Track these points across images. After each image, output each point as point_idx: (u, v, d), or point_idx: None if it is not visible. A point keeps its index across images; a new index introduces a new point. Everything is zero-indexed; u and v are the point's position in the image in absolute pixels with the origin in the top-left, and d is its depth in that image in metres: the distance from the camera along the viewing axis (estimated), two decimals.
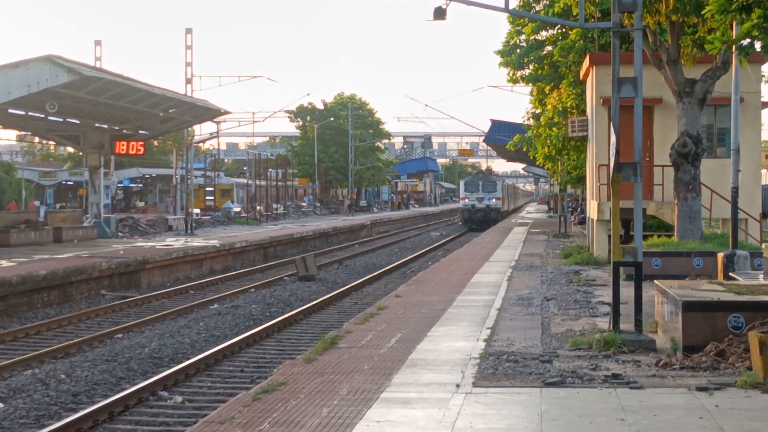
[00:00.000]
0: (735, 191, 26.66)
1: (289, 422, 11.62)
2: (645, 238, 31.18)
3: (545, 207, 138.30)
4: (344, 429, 11.22)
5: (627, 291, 17.83)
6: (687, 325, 15.87)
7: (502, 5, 16.97)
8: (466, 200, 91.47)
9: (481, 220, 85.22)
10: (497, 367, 14.95)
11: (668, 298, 17.44)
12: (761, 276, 21.49)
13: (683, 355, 15.43)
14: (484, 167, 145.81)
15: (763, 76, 37.99)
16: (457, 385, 13.61)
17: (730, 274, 22.85)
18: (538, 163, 65.45)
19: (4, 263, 34.85)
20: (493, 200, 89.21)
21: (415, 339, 17.88)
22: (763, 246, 29.88)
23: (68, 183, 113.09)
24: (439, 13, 15.58)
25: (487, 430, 11.18)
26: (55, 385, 18.86)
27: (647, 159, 36.13)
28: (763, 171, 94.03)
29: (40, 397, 17.74)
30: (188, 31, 64.37)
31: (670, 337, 16.66)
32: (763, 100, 39.37)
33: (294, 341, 23.97)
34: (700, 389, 13.20)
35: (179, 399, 17.74)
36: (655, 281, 19.68)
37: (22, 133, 73.23)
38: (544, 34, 45.42)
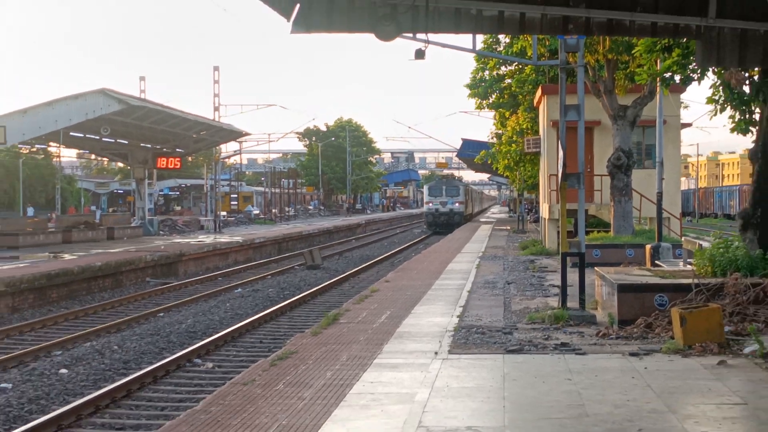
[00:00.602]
0: (659, 195, 26.85)
1: (300, 383, 11.62)
2: (587, 233, 31.25)
3: (506, 209, 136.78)
4: (344, 388, 11.21)
5: (573, 276, 17.85)
6: (621, 303, 15.92)
7: (470, 46, 16.94)
8: (430, 204, 76.69)
9: (444, 224, 71.98)
10: (468, 338, 14.96)
11: (606, 282, 17.48)
12: (681, 263, 21.54)
13: (618, 327, 15.45)
14: (456, 176, 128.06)
15: (682, 102, 38.22)
16: (436, 353, 13.61)
17: (656, 262, 22.95)
18: (500, 173, 65.92)
19: (67, 256, 34.77)
20: (456, 204, 74.87)
21: (402, 316, 17.89)
22: (683, 239, 29.90)
23: (119, 191, 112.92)
24: (419, 54, 15.56)
25: (460, 388, 11.18)
26: (109, 354, 18.86)
27: (589, 170, 36.26)
28: (683, 179, 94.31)
29: (97, 365, 17.74)
30: (215, 68, 64.70)
31: (608, 313, 16.69)
32: (682, 121, 39.68)
33: (303, 318, 23.95)
34: (632, 354, 13.22)
35: (210, 365, 17.76)
36: (595, 268, 19.69)
37: (81, 151, 73.01)
38: (504, 70, 45.51)
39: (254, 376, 12.30)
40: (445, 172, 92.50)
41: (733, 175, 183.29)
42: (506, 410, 9.95)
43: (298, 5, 12.90)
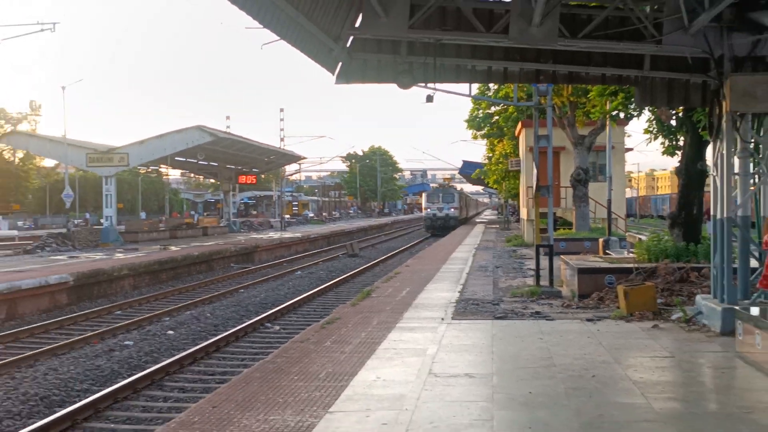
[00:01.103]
0: (609, 202, 26.66)
1: (342, 341, 11.62)
2: (555, 230, 31.12)
3: (496, 212, 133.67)
4: (375, 345, 11.19)
5: (544, 262, 17.74)
6: (580, 282, 15.82)
7: (467, 92, 16.87)
8: (428, 210, 65.91)
9: (441, 227, 62.74)
10: (466, 308, 14.91)
11: (569, 266, 17.38)
12: (625, 252, 21.36)
13: (578, 300, 15.37)
14: (457, 188, 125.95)
15: (626, 132, 38.06)
16: (442, 319, 13.58)
17: (607, 251, 22.76)
18: (490, 185, 65.75)
19: (173, 248, 34.99)
20: (452, 210, 64.68)
21: (417, 291, 17.85)
22: (626, 234, 29.70)
23: (211, 200, 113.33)
24: (429, 99, 15.54)
25: (460, 345, 11.13)
26: (204, 319, 18.94)
27: (557, 183, 36.10)
28: (627, 189, 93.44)
29: (195, 327, 17.83)
30: (281, 110, 66.96)
31: (570, 290, 16.61)
32: (626, 146, 39.54)
33: (345, 293, 23.95)
34: (588, 320, 13.13)
35: (277, 327, 17.79)
36: (561, 256, 19.58)
37: (183, 171, 73.50)
38: (493, 109, 45.18)
39: (309, 335, 12.32)
40: (450, 185, 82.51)
41: (665, 186, 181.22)
42: (494, 361, 9.91)
43: (340, 64, 12.92)
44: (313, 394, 8.37)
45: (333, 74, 12.96)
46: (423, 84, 14.50)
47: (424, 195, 72.07)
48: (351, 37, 12.44)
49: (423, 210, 72.80)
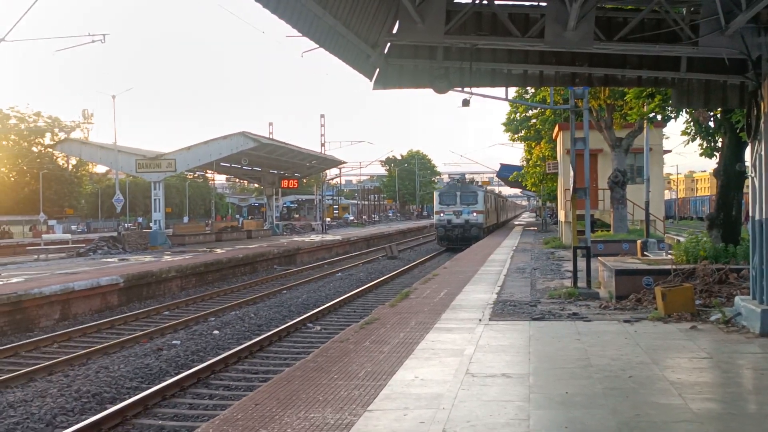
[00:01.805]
0: (647, 204, 26.34)
1: (381, 341, 11.62)
2: (593, 232, 30.79)
3: (534, 214, 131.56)
4: (413, 345, 11.18)
5: (582, 264, 17.53)
6: (618, 283, 15.58)
7: (503, 96, 16.80)
8: (441, 214, 47.23)
9: (458, 238, 45.56)
10: (503, 309, 14.80)
11: (607, 268, 17.12)
12: (663, 254, 21.04)
13: (616, 301, 15.15)
14: (497, 191, 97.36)
15: (664, 134, 37.50)
16: (480, 320, 13.50)
17: (645, 252, 22.47)
18: (528, 188, 65.06)
19: (219, 251, 35.37)
20: (473, 214, 46.52)
21: (455, 293, 17.78)
22: (665, 236, 29.26)
23: (255, 204, 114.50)
24: (465, 103, 15.47)
25: (497, 345, 11.06)
26: (248, 320, 19.10)
27: (594, 185, 35.75)
28: (666, 191, 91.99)
29: (239, 327, 17.98)
30: (322, 116, 65.80)
31: (608, 291, 16.37)
32: (664, 148, 38.96)
33: (384, 294, 23.95)
34: (626, 321, 12.95)
35: (318, 328, 17.86)
36: (599, 258, 19.33)
37: (228, 176, 74.29)
38: (530, 112, 44.95)
39: (348, 335, 12.34)
40: (488, 188, 66.74)
41: (704, 187, 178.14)
42: (531, 362, 9.82)
43: (377, 70, 12.94)
44: (353, 393, 8.38)
45: (371, 80, 12.98)
46: (460, 89, 14.48)
47: (435, 195, 49.52)
48: (388, 44, 12.45)
49: (434, 214, 50.12)
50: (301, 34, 9.71)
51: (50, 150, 79.66)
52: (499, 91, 33.90)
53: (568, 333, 11.98)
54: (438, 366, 9.66)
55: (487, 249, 34.96)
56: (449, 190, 47.48)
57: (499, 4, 12.01)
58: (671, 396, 7.95)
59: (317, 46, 10.88)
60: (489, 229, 50.91)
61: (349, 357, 10.47)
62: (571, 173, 17.23)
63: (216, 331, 17.40)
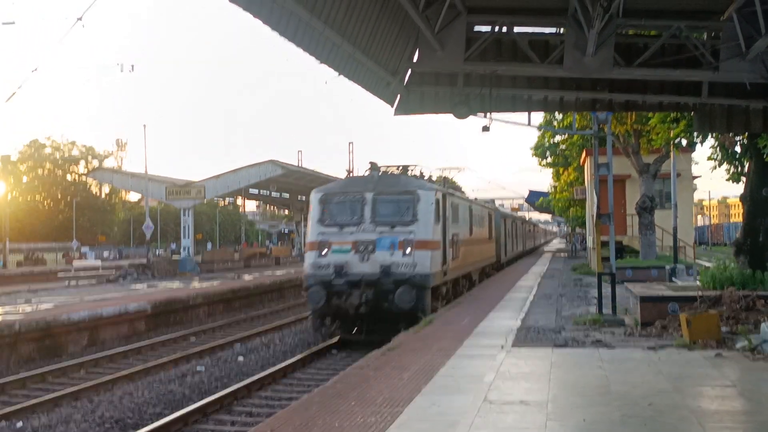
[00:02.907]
0: (675, 229, 26.09)
1: (401, 367, 11.58)
2: (622, 258, 30.55)
3: (565, 240, 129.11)
4: (433, 372, 11.13)
5: (608, 290, 17.38)
6: (643, 310, 15.41)
7: (526, 121, 16.85)
8: (323, 252, 17.67)
9: (367, 316, 17.34)
10: (527, 336, 14.68)
11: (632, 294, 16.97)
12: (692, 280, 20.78)
13: (641, 328, 14.96)
14: (524, 215, 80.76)
15: (693, 159, 37.25)
16: (502, 346, 13.40)
17: (673, 279, 22.22)
18: (557, 213, 64.86)
19: (246, 277, 35.61)
20: (407, 252, 17.19)
21: (480, 319, 17.65)
22: (694, 262, 28.93)
23: (285, 230, 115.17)
24: (485, 129, 15.50)
25: (518, 372, 10.98)
26: (273, 346, 19.05)
27: (622, 211, 35.51)
28: (699, 217, 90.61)
29: (264, 354, 17.96)
30: (350, 143, 66.10)
31: (633, 318, 16.18)
32: (693, 174, 38.65)
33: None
34: (650, 348, 12.77)
35: (343, 354, 17.78)
36: (626, 284, 19.16)
37: (257, 202, 74.97)
38: (558, 138, 44.82)
39: (369, 361, 12.32)
40: (518, 215, 58.50)
41: (737, 213, 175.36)
42: (550, 389, 9.73)
43: (398, 96, 13.06)
44: (369, 419, 8.38)
45: (392, 106, 13.11)
46: (481, 114, 14.55)
47: (313, 201, 19.03)
48: (408, 71, 12.59)
49: (306, 251, 19.74)
50: (319, 62, 9.86)
51: (84, 178, 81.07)
52: (523, 117, 33.95)
53: (591, 360, 11.85)
54: (456, 393, 9.62)
55: (515, 275, 34.72)
56: (347, 188, 19.40)
57: (518, 32, 12.11)
58: (691, 424, 7.83)
59: (337, 74, 11.03)
60: (469, 280, 26.05)
61: (369, 383, 10.46)
62: (594, 198, 17.11)
63: (241, 358, 17.44)
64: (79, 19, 8.81)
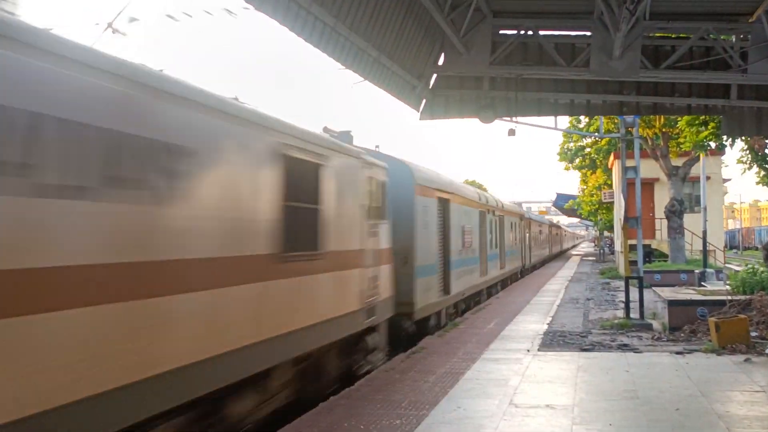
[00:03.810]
0: (704, 233, 25.83)
1: (427, 371, 11.61)
2: (650, 262, 30.30)
3: (593, 244, 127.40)
4: (458, 375, 11.15)
5: (635, 294, 17.26)
6: (671, 314, 15.29)
7: (552, 125, 16.80)
8: None
9: None
10: (553, 340, 14.65)
11: (660, 298, 16.84)
12: (721, 284, 20.54)
13: (669, 333, 14.85)
14: (553, 221, 77.47)
15: (722, 162, 36.83)
16: (528, 350, 13.38)
17: (702, 283, 21.98)
18: (584, 217, 64.41)
19: None
20: None
21: (506, 323, 17.64)
22: (723, 266, 28.60)
23: None
24: (511, 132, 15.49)
25: (543, 375, 10.97)
26: None
27: (651, 215, 35.24)
28: (730, 220, 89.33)
29: None
30: (377, 146, 65.70)
31: (661, 322, 16.06)
32: (724, 177, 38.25)
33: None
34: (678, 353, 12.68)
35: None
36: (654, 288, 19.01)
37: None
38: (585, 141, 44.65)
39: (395, 365, 12.36)
40: (546, 218, 56.90)
41: None
42: (576, 393, 9.71)
43: (424, 101, 13.11)
44: (394, 422, 8.42)
45: (417, 111, 13.15)
46: (508, 118, 14.55)
47: None
48: (434, 75, 12.63)
49: None
50: (344, 67, 9.94)
51: None
52: (548, 120, 33.87)
53: (618, 364, 11.79)
54: (482, 396, 9.63)
55: (542, 279, 34.58)
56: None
57: (544, 35, 12.10)
58: (718, 429, 7.78)
59: (362, 79, 11.10)
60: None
61: (394, 386, 10.51)
62: (622, 202, 17.03)
63: None
64: (110, 25, 8.94)
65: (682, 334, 14.53)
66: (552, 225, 62.32)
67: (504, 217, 27.47)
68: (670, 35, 12.39)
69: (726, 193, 51.59)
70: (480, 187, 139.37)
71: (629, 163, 17.48)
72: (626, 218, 16.93)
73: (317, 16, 8.75)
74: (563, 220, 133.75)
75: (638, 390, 9.79)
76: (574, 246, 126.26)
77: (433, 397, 9.63)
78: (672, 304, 15.41)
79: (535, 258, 41.16)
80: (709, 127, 18.18)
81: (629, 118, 16.68)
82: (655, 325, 16.25)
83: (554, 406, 8.98)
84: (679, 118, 20.38)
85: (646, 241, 29.78)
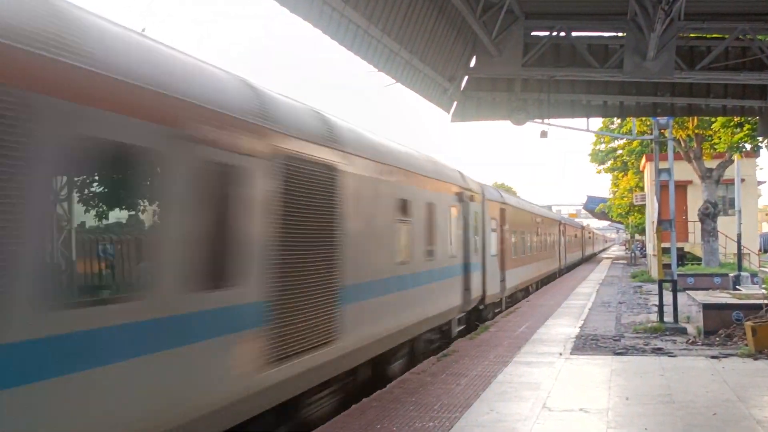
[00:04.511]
0: (739, 236, 25.47)
1: (458, 374, 11.60)
2: (683, 265, 29.94)
3: (623, 247, 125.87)
4: (490, 378, 11.11)
5: (669, 298, 17.06)
6: (706, 318, 15.11)
7: (584, 127, 16.68)
8: None
9: None
10: (586, 343, 14.54)
11: (695, 302, 16.65)
12: (757, 288, 20.26)
13: (704, 337, 14.67)
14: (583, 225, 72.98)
15: (757, 165, 36.37)
16: (560, 354, 13.30)
17: (737, 287, 21.72)
18: (615, 219, 63.89)
19: None
20: None
21: (537, 326, 17.54)
22: (758, 269, 28.18)
23: None
24: (543, 134, 15.42)
25: (576, 379, 10.90)
26: None
27: (684, 217, 34.84)
28: (765, 223, 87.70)
29: None
30: None
31: (695, 326, 15.87)
32: (758, 179, 37.69)
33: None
34: (713, 357, 12.52)
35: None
36: (688, 292, 18.80)
37: None
38: (616, 143, 44.23)
39: (426, 367, 12.36)
40: (576, 221, 59.89)
41: None
42: (610, 397, 9.63)
43: (455, 103, 13.10)
44: (427, 425, 8.42)
45: (448, 113, 13.15)
46: (539, 120, 14.48)
47: None
48: (465, 77, 12.61)
49: None
50: (377, 70, 9.96)
51: None
52: (580, 122, 33.62)
53: (652, 368, 11.68)
54: (514, 400, 9.59)
55: (573, 282, 34.33)
56: None
57: (576, 36, 12.03)
58: None
59: (394, 81, 11.12)
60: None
61: (426, 389, 10.50)
62: (656, 204, 16.86)
63: None
64: (143, 30, 9.03)
65: (718, 338, 14.35)
66: (583, 228, 62.74)
67: (576, 229, 36.90)
68: (705, 35, 12.24)
69: (760, 195, 50.77)
70: (509, 189, 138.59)
71: (662, 165, 17.31)
72: (660, 221, 16.76)
73: (350, 19, 8.79)
74: (593, 223, 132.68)
75: (673, 394, 9.68)
76: (604, 249, 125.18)
77: (465, 400, 9.61)
78: (707, 307, 15.23)
79: (569, 260, 44.88)
80: (745, 128, 17.94)
81: (663, 120, 16.52)
82: (690, 329, 16.06)
83: (588, 410, 8.92)
84: (714, 120, 20.12)
85: (679, 244, 29.38)
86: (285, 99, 8.12)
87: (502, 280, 20.95)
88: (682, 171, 31.34)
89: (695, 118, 26.14)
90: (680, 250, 31.55)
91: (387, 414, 9.03)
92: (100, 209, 5.55)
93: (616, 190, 52.17)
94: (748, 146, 21.08)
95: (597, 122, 44.17)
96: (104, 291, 5.42)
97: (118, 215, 5.82)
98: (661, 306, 16.83)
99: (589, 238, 65.60)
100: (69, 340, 4.52)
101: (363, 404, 9.78)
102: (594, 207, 70.06)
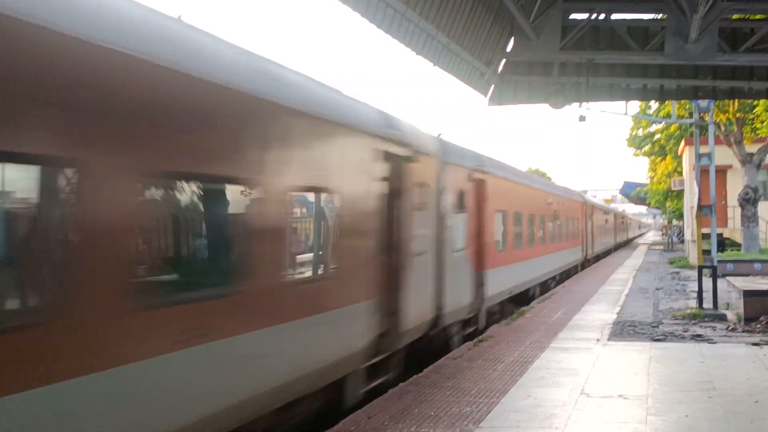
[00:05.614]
0: None
1: (495, 359, 11.59)
2: (723, 251, 29.49)
3: (660, 233, 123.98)
4: (527, 364, 11.08)
5: (708, 284, 16.83)
6: (747, 304, 14.88)
7: (623, 111, 16.47)
8: None
9: None
10: (623, 330, 14.43)
11: (735, 288, 16.42)
12: None
13: (744, 323, 14.48)
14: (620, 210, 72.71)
15: None
16: (597, 340, 13.22)
17: None
18: (652, 205, 63.05)
19: None
20: None
21: (573, 312, 17.44)
22: None
23: None
24: (582, 118, 15.27)
25: (614, 365, 10.83)
26: None
27: (723, 203, 34.30)
28: None
29: None
30: (439, 134, 65.30)
31: (735, 313, 15.67)
32: None
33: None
34: (754, 344, 12.35)
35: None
36: (728, 278, 18.53)
37: None
38: (654, 127, 43.55)
39: (462, 352, 12.36)
40: (611, 206, 57.55)
41: None
42: (650, 383, 9.56)
43: (492, 87, 13.01)
44: (464, 410, 8.43)
45: (485, 96, 13.07)
46: (576, 104, 14.33)
47: None
48: (503, 61, 12.51)
49: None
50: (415, 53, 9.93)
51: None
52: (618, 106, 33.11)
53: (691, 355, 11.56)
54: (552, 386, 9.56)
55: (609, 268, 34.02)
56: None
57: (616, 19, 11.86)
58: None
59: (432, 64, 11.07)
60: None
61: (462, 374, 10.51)
62: (696, 189, 16.62)
63: None
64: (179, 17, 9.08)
65: (758, 325, 14.15)
66: (617, 213, 59.11)
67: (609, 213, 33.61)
68: (748, 17, 11.98)
69: None
70: (543, 175, 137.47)
71: (703, 149, 17.05)
72: (700, 206, 16.52)
73: (388, 3, 8.76)
74: (630, 209, 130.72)
75: (714, 381, 9.58)
76: (641, 235, 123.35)
77: (502, 386, 9.60)
78: (747, 294, 15.00)
79: (597, 248, 40.26)
80: None
81: (703, 103, 16.26)
82: (729, 315, 15.85)
83: (627, 396, 8.86)
84: (756, 103, 19.73)
85: (719, 230, 28.96)
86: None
87: (480, 286, 14.58)
88: (722, 155, 30.76)
89: (736, 101, 25.67)
90: (719, 235, 31.11)
91: (424, 398, 9.07)
92: None
93: (653, 174, 51.46)
94: None
95: (634, 107, 43.59)
96: None
97: None
98: (700, 292, 16.62)
99: (622, 223, 62.51)
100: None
101: (400, 388, 9.82)
102: (630, 192, 69.34)
